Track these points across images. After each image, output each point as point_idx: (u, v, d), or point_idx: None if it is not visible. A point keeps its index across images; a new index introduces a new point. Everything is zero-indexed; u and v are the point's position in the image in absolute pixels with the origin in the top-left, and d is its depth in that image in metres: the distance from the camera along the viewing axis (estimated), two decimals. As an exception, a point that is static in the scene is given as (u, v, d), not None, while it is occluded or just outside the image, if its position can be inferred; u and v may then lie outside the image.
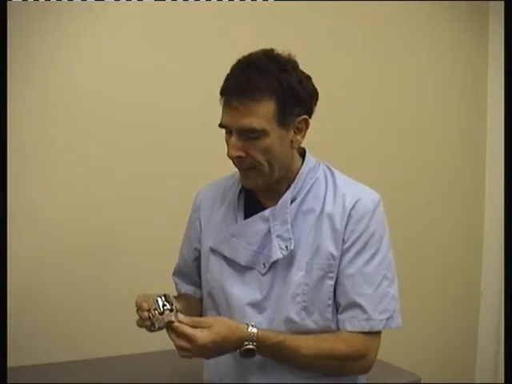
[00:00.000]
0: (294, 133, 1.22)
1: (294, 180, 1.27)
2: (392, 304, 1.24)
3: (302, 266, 1.23)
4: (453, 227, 2.58)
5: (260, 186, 1.27)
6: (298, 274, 1.23)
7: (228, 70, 1.22)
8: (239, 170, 1.25)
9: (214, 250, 1.32)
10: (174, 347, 1.15)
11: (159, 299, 1.16)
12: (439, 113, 2.52)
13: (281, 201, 1.26)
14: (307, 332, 1.23)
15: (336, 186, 1.27)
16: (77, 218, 1.87)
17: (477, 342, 2.68)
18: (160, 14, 1.92)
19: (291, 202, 1.26)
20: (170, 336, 1.15)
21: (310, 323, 1.23)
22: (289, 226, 1.24)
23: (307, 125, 1.24)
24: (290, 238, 1.23)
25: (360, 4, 2.26)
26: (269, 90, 1.16)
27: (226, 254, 1.29)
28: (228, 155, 1.21)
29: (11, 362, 1.29)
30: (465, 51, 2.57)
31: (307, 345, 1.20)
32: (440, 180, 2.54)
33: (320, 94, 1.26)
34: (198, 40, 1.99)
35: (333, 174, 1.30)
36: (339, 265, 1.23)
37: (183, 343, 1.13)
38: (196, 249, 1.41)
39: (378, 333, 1.24)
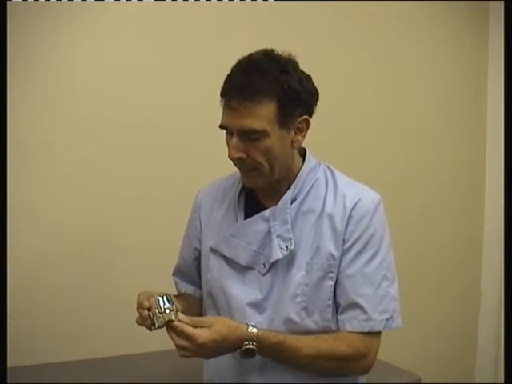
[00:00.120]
0: (295, 133, 1.22)
1: (294, 180, 1.27)
2: (392, 304, 1.24)
3: (302, 266, 1.23)
4: (453, 227, 2.58)
5: (260, 186, 1.27)
6: (298, 274, 1.23)
7: (228, 70, 1.21)
8: (240, 170, 1.25)
9: (214, 250, 1.32)
10: (173, 347, 1.15)
11: (160, 298, 1.16)
12: (439, 113, 2.52)
13: (281, 201, 1.26)
14: (307, 332, 1.23)
15: (336, 187, 1.27)
16: (77, 218, 1.87)
17: (477, 342, 2.68)
18: (160, 13, 1.92)
19: (291, 202, 1.26)
20: (169, 335, 1.15)
21: (309, 323, 1.23)
22: (289, 226, 1.24)
23: (308, 125, 1.24)
24: (290, 238, 1.23)
25: (360, 4, 2.26)
26: (269, 91, 1.16)
27: (226, 253, 1.29)
28: (229, 156, 1.21)
29: (11, 362, 1.29)
30: (465, 51, 2.57)
31: (307, 345, 1.19)
32: (440, 180, 2.54)
33: (320, 94, 1.26)
34: (197, 40, 1.99)
35: (333, 175, 1.30)
36: (339, 265, 1.23)
37: (183, 342, 1.13)
38: (196, 249, 1.41)
39: (378, 333, 1.24)
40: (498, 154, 2.43)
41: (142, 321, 1.19)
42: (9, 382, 1.25)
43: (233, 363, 1.27)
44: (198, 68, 1.99)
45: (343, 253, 1.23)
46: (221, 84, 1.21)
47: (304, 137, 1.25)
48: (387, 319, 1.23)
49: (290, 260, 1.23)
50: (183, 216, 1.46)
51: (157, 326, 1.16)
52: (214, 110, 1.24)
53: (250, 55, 1.21)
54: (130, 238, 1.94)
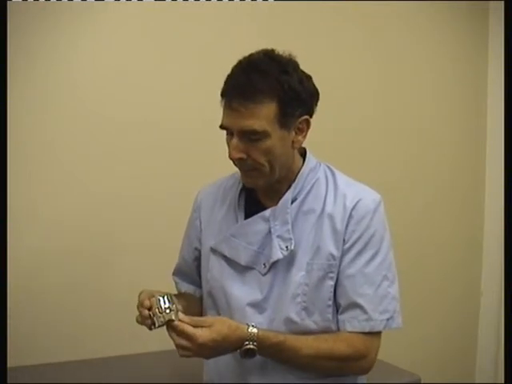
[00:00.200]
0: (296, 133, 1.22)
1: (294, 180, 1.27)
2: (392, 304, 1.24)
3: (302, 266, 1.23)
4: (453, 227, 2.58)
5: (261, 186, 1.27)
6: (298, 275, 1.23)
7: (228, 70, 1.21)
8: (240, 170, 1.25)
9: (214, 250, 1.32)
10: (173, 347, 1.15)
11: (161, 298, 1.17)
12: (439, 113, 2.52)
13: (281, 201, 1.26)
14: (307, 332, 1.23)
15: (337, 187, 1.27)
16: (77, 218, 1.87)
17: (477, 342, 2.68)
18: (160, 13, 1.92)
19: (292, 202, 1.26)
20: (170, 335, 1.15)
21: (310, 323, 1.23)
22: (289, 226, 1.24)
23: (308, 125, 1.24)
24: (291, 239, 1.23)
25: (360, 4, 2.26)
26: (270, 92, 1.16)
27: (227, 253, 1.29)
28: (229, 157, 1.21)
29: (11, 362, 1.29)
30: (465, 51, 2.57)
31: (307, 345, 1.19)
32: (440, 180, 2.54)
33: (320, 94, 1.26)
34: (198, 40, 1.99)
35: (333, 175, 1.30)
36: (340, 265, 1.23)
37: (183, 342, 1.13)
38: (196, 248, 1.41)
39: (379, 333, 1.24)
40: (498, 154, 2.43)
41: (142, 320, 1.19)
42: (9, 382, 1.25)
43: (233, 363, 1.27)
44: (198, 68, 1.99)
45: (343, 253, 1.23)
46: (221, 84, 1.21)
47: (304, 137, 1.24)
48: (387, 319, 1.23)
49: (290, 260, 1.23)
50: (183, 216, 1.46)
51: (157, 325, 1.16)
52: (214, 110, 1.24)
53: (251, 55, 1.21)
54: (130, 238, 1.94)
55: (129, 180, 1.93)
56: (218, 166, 1.41)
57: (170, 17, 1.94)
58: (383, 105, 2.38)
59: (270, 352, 1.18)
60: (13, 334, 1.36)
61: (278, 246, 1.23)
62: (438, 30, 2.48)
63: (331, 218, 1.24)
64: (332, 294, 1.24)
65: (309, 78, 1.23)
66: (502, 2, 1.95)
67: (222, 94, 1.20)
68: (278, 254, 1.23)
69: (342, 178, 1.30)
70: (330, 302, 1.24)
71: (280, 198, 1.26)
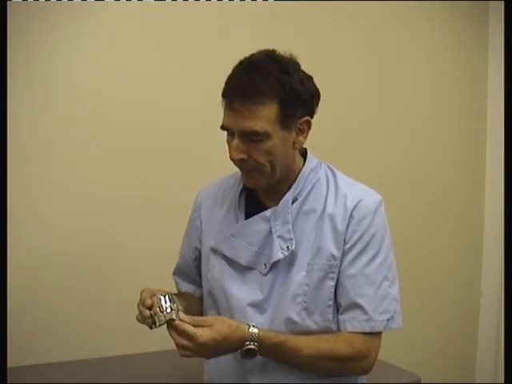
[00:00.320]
0: (296, 134, 1.22)
1: (295, 180, 1.27)
2: (393, 305, 1.24)
3: (302, 266, 1.23)
4: (453, 227, 2.58)
5: (261, 186, 1.27)
6: (298, 275, 1.23)
7: (228, 70, 1.21)
8: (241, 170, 1.25)
9: (214, 250, 1.32)
10: (174, 347, 1.15)
11: (162, 297, 1.17)
12: (439, 113, 2.52)
13: (282, 201, 1.25)
14: (308, 332, 1.22)
15: (337, 187, 1.27)
16: (77, 218, 1.86)
17: (477, 342, 2.68)
18: (160, 13, 1.92)
19: (292, 203, 1.25)
20: (170, 334, 1.15)
21: (310, 324, 1.23)
22: (290, 226, 1.24)
23: (309, 126, 1.23)
24: (291, 239, 1.23)
25: (360, 4, 2.26)
26: (271, 93, 1.15)
27: (227, 253, 1.29)
28: (230, 158, 1.21)
29: (11, 362, 1.29)
30: (465, 51, 2.57)
31: (308, 345, 1.19)
32: (440, 180, 2.54)
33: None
34: (198, 40, 1.99)
35: (334, 175, 1.30)
36: (340, 265, 1.23)
37: (184, 342, 1.13)
38: (196, 248, 1.41)
39: (379, 333, 1.24)
40: (498, 154, 2.43)
41: (143, 319, 1.20)
42: (9, 382, 1.25)
43: (233, 363, 1.27)
44: (198, 68, 1.99)
45: (344, 253, 1.23)
46: (221, 84, 1.21)
47: (305, 138, 1.24)
48: (388, 320, 1.23)
49: (290, 260, 1.23)
50: (183, 216, 1.46)
51: (158, 324, 1.16)
52: (214, 110, 1.24)
53: (252, 56, 1.21)
54: (130, 238, 1.93)
55: (129, 180, 1.93)
56: (218, 166, 1.41)
57: (170, 17, 1.94)
58: (383, 105, 2.38)
59: (270, 352, 1.18)
60: (13, 334, 1.36)
61: (278, 246, 1.23)
62: (438, 30, 2.48)
63: (332, 218, 1.24)
64: (332, 295, 1.24)
65: (310, 78, 1.23)
66: (502, 2, 1.95)
67: (223, 95, 1.20)
68: (278, 254, 1.23)
69: (342, 179, 1.30)
70: (331, 303, 1.24)
71: (281, 198, 1.26)
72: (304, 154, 1.31)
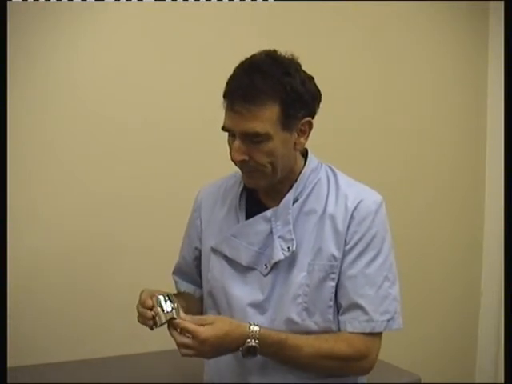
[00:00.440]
0: (298, 135, 1.22)
1: (296, 181, 1.27)
2: (393, 305, 1.24)
3: (303, 266, 1.23)
4: (453, 227, 2.58)
5: (262, 187, 1.27)
6: (299, 275, 1.23)
7: (228, 70, 1.21)
8: (242, 171, 1.25)
9: (215, 250, 1.32)
10: (174, 347, 1.15)
11: (162, 298, 1.17)
12: (439, 113, 2.52)
13: (283, 201, 1.25)
14: (308, 333, 1.22)
15: (338, 187, 1.27)
16: (77, 217, 1.86)
17: (477, 342, 2.68)
18: (160, 13, 1.92)
19: (293, 203, 1.25)
20: (171, 333, 1.15)
21: (311, 324, 1.23)
22: (291, 226, 1.23)
23: (310, 127, 1.23)
24: (292, 239, 1.23)
25: (360, 4, 2.26)
26: (272, 94, 1.15)
27: (228, 254, 1.29)
28: (231, 159, 1.21)
29: (11, 362, 1.29)
30: (465, 51, 2.57)
31: (308, 344, 1.20)
32: (440, 180, 2.54)
33: (320, 95, 1.26)
34: (198, 40, 1.99)
35: (335, 175, 1.30)
36: (341, 266, 1.23)
37: (186, 340, 1.13)
38: (196, 248, 1.41)
39: (379, 334, 1.24)
40: (498, 154, 2.43)
41: (143, 320, 1.20)
42: (9, 382, 1.25)
43: (233, 363, 1.27)
44: (198, 68, 1.99)
45: (345, 254, 1.23)
46: (221, 84, 1.21)
47: (307, 138, 1.24)
48: (388, 320, 1.23)
49: (291, 261, 1.23)
50: (183, 216, 1.46)
51: (159, 324, 1.16)
52: (214, 110, 1.24)
53: (253, 56, 1.20)
54: (130, 238, 1.93)
55: (129, 180, 1.93)
56: (218, 166, 1.41)
57: (170, 17, 1.94)
58: (383, 105, 2.38)
59: (271, 350, 1.18)
60: (13, 334, 1.36)
61: (279, 246, 1.23)
62: (438, 30, 2.48)
63: (333, 218, 1.24)
64: (333, 295, 1.24)
65: (311, 78, 1.23)
66: (502, 2, 1.95)
67: (224, 96, 1.20)
68: (279, 254, 1.23)
69: (343, 179, 1.30)
70: (331, 303, 1.24)
71: (281, 198, 1.26)
72: (305, 154, 1.31)
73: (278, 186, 1.26)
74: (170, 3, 1.92)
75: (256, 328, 1.16)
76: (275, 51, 1.21)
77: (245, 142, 1.18)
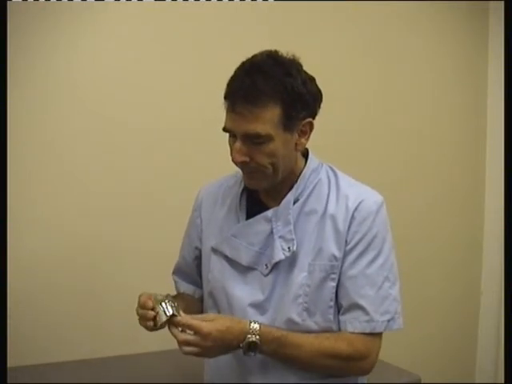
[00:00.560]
0: (299, 136, 1.22)
1: (296, 181, 1.27)
2: (393, 306, 1.24)
3: (304, 267, 1.23)
4: (453, 227, 2.58)
5: (263, 188, 1.27)
6: (300, 275, 1.23)
7: (228, 70, 1.21)
8: (243, 172, 1.25)
9: (215, 250, 1.32)
10: (174, 347, 1.15)
11: (162, 298, 1.17)
12: (439, 113, 2.52)
13: (283, 201, 1.25)
14: (308, 333, 1.22)
15: (339, 187, 1.27)
16: (77, 218, 1.86)
17: (477, 342, 2.68)
18: (160, 13, 1.92)
19: (294, 203, 1.25)
20: (172, 332, 1.15)
21: (311, 324, 1.23)
22: (291, 226, 1.23)
23: (311, 127, 1.23)
24: (293, 239, 1.23)
25: (360, 4, 2.25)
26: (274, 95, 1.15)
27: (228, 254, 1.29)
28: (232, 160, 1.21)
29: (11, 362, 1.29)
30: (465, 51, 2.57)
31: (308, 342, 1.20)
32: (440, 180, 2.54)
33: (321, 95, 1.26)
34: (198, 40, 1.99)
35: (336, 175, 1.30)
36: (341, 266, 1.23)
37: (188, 336, 1.13)
38: (196, 248, 1.41)
39: (380, 334, 1.24)
40: (498, 154, 2.43)
41: (143, 322, 1.20)
42: (9, 382, 1.25)
43: (233, 363, 1.27)
44: (198, 68, 1.99)
45: (345, 254, 1.23)
46: (221, 84, 1.21)
47: (307, 139, 1.24)
48: (388, 320, 1.23)
49: (292, 261, 1.23)
50: (183, 216, 1.46)
51: (159, 324, 1.16)
52: (214, 110, 1.24)
53: (254, 57, 1.20)
54: (130, 239, 1.93)
55: (129, 180, 1.92)
56: (218, 166, 1.41)
57: (170, 17, 1.94)
58: (383, 105, 2.38)
59: (271, 348, 1.18)
60: (13, 334, 1.36)
61: (280, 246, 1.23)
62: (437, 30, 2.48)
63: (333, 218, 1.23)
64: (334, 295, 1.24)
65: (312, 79, 1.22)
66: (502, 2, 1.95)
67: (225, 97, 1.19)
68: (279, 254, 1.23)
69: (344, 179, 1.30)
70: (332, 303, 1.24)
71: (282, 198, 1.26)
72: (305, 154, 1.31)
73: (278, 186, 1.26)
74: (169, 3, 1.92)
75: (256, 325, 1.17)
76: (276, 52, 1.21)
77: (246, 143, 1.18)
